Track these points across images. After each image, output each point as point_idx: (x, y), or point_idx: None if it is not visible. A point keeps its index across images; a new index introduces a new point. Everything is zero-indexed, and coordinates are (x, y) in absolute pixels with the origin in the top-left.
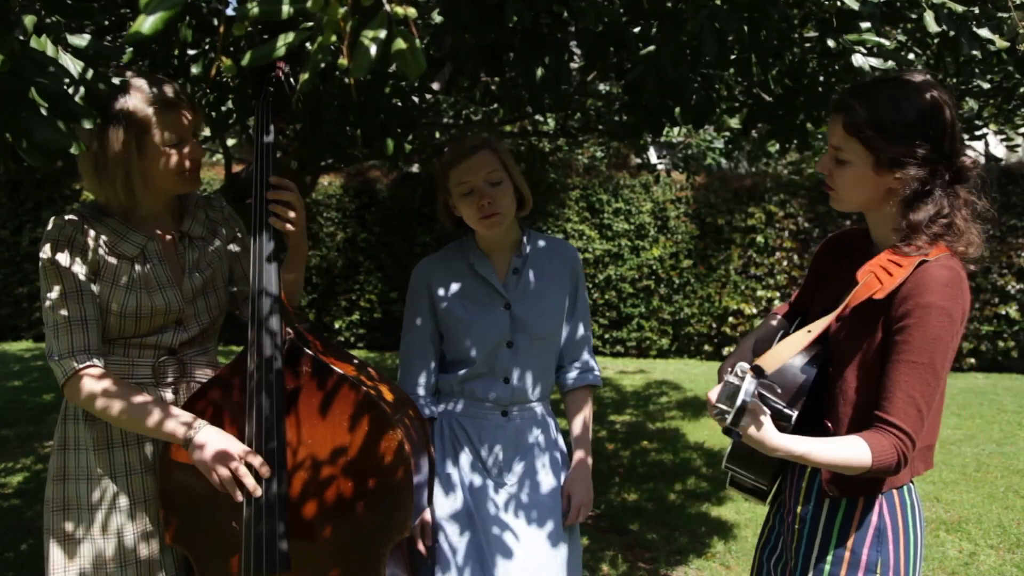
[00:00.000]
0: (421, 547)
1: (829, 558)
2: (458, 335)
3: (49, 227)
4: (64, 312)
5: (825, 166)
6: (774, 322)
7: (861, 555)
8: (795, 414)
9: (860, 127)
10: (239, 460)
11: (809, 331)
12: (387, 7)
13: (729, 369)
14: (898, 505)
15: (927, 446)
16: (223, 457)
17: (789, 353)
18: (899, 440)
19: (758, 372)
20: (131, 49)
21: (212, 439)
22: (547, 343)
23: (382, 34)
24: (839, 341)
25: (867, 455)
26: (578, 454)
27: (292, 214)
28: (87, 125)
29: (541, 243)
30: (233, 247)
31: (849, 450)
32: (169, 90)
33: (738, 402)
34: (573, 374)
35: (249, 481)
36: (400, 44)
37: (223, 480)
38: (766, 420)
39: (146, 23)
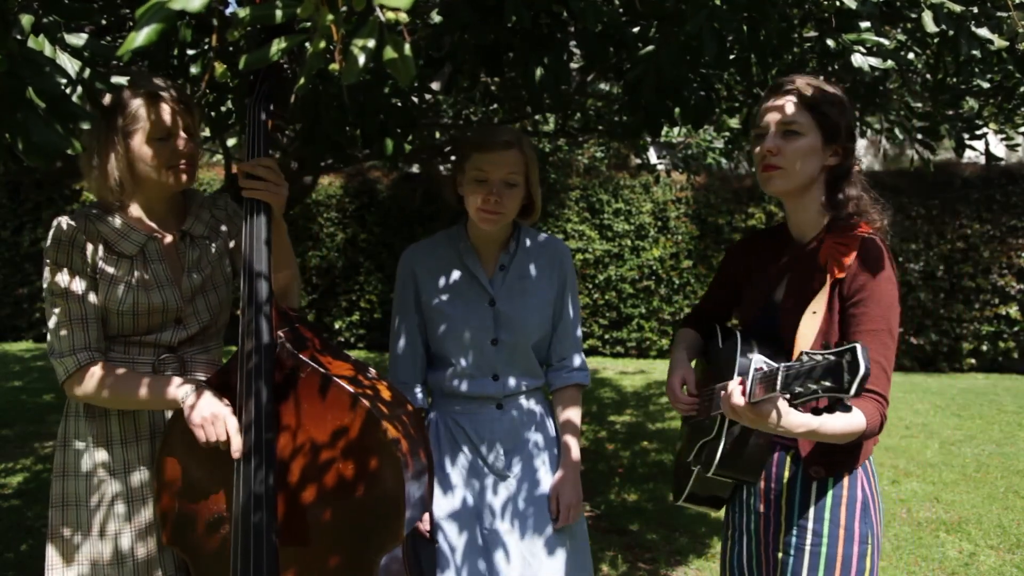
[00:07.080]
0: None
1: (824, 539)
2: (442, 329)
3: (53, 228)
4: (65, 311)
5: (773, 143)
6: (690, 334)
7: (854, 530)
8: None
9: (817, 102)
10: (226, 423)
11: (815, 312)
12: (379, 13)
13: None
14: (872, 477)
15: None
16: (214, 418)
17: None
18: (879, 403)
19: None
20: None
21: (208, 400)
22: (533, 341)
23: (371, 43)
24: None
25: (862, 421)
26: (566, 455)
27: (263, 173)
28: (85, 126)
29: (531, 240)
30: (233, 243)
31: (848, 420)
32: (156, 85)
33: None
34: (561, 373)
35: (235, 443)
36: (390, 53)
37: (207, 437)
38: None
39: (139, 37)
